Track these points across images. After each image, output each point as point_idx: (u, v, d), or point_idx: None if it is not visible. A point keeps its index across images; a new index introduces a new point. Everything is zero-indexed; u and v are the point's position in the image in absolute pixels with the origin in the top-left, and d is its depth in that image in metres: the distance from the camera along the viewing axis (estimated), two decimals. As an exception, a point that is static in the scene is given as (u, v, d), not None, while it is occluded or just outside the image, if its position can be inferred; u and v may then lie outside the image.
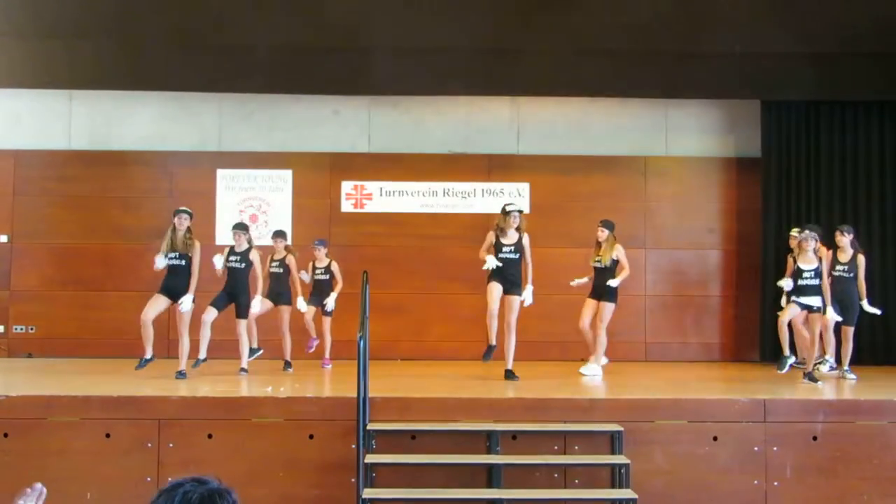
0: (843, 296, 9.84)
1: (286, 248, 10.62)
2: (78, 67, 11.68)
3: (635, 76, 11.69)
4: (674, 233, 12.64)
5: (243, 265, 9.81)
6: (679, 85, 11.93)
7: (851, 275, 9.92)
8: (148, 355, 9.24)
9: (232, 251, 9.92)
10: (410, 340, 12.29)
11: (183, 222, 9.34)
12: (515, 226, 9.42)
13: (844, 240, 9.94)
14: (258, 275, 9.86)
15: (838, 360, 10.13)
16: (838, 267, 9.90)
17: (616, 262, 9.90)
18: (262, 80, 11.85)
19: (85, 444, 7.43)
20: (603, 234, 10.01)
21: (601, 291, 9.91)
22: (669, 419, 7.59)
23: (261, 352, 10.33)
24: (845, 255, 9.95)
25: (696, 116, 12.79)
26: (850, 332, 9.90)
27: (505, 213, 9.49)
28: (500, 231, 9.42)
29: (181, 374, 9.12)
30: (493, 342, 9.32)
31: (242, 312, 9.79)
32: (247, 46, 11.35)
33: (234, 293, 9.78)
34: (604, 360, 10.05)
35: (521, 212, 9.53)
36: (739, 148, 12.75)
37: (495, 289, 9.31)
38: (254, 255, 9.86)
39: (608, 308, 9.86)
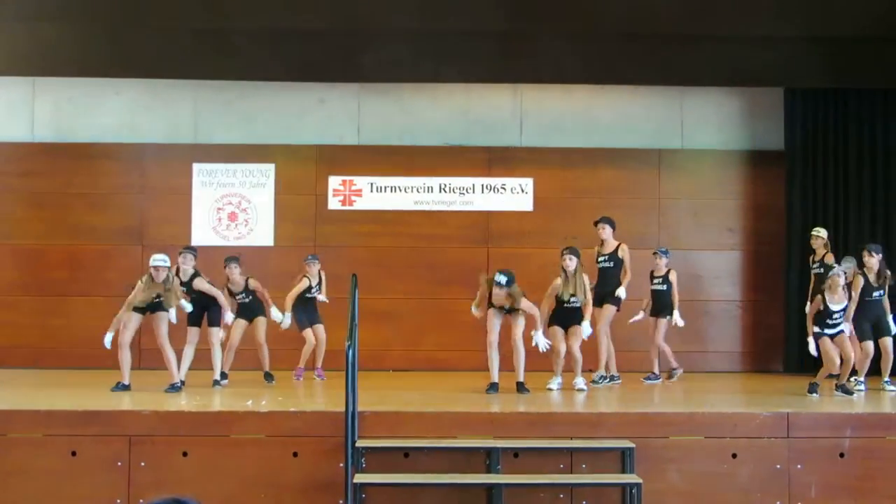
0: (881, 318, 9.95)
1: (241, 273, 10.45)
2: (42, 52, 11.66)
3: (648, 62, 11.71)
4: (690, 232, 12.67)
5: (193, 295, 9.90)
6: (696, 71, 11.95)
7: (884, 296, 10.01)
8: (126, 381, 9.27)
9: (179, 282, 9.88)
10: (403, 350, 12.32)
11: (161, 274, 9.30)
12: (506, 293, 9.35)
13: (874, 260, 9.98)
14: (216, 291, 9.95)
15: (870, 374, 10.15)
16: (874, 294, 9.93)
17: None
18: (241, 66, 11.84)
19: (49, 463, 7.43)
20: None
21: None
22: (685, 435, 7.61)
23: (225, 382, 10.24)
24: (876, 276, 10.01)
25: (714, 106, 12.83)
26: (888, 342, 9.94)
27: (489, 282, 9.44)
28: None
29: (174, 388, 9.27)
30: (496, 379, 9.37)
31: (215, 320, 9.96)
32: (225, 29, 11.34)
33: (203, 304, 9.95)
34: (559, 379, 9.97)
35: (508, 284, 9.30)
36: (761, 140, 12.78)
37: (494, 314, 9.40)
38: (199, 283, 9.86)
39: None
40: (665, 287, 10.82)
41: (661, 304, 10.82)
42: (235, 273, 10.31)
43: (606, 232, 10.56)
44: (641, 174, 12.71)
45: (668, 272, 10.85)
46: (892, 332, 10.02)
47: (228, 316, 9.96)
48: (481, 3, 11.26)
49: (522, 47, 11.64)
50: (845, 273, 9.60)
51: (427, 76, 12.25)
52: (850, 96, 12.40)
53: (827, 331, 9.41)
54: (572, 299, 9.72)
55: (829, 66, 11.83)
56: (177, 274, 9.77)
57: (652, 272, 10.90)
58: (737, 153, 12.80)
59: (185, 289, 9.78)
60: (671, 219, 12.68)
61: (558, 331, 9.80)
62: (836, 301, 9.37)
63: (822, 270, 10.85)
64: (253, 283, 10.43)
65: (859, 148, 12.37)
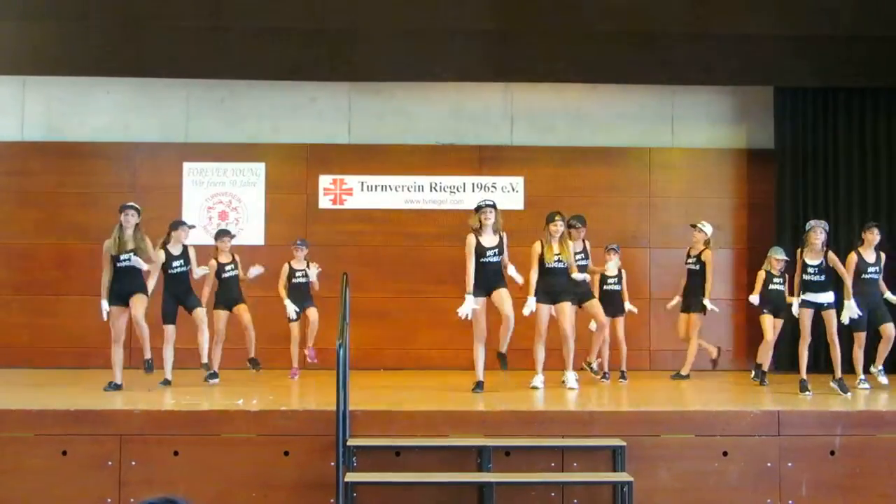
0: (875, 298, 9.86)
1: (230, 249, 10.59)
2: (32, 51, 11.64)
3: (639, 60, 11.72)
4: (680, 230, 12.64)
5: (187, 267, 9.94)
6: (686, 70, 11.96)
7: (880, 276, 9.95)
8: (118, 380, 9.19)
9: (169, 254, 9.93)
10: (394, 349, 12.30)
11: (130, 219, 9.31)
12: (491, 223, 9.27)
13: (876, 238, 9.93)
14: (195, 268, 9.99)
15: (865, 367, 10.10)
16: (869, 269, 9.88)
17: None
18: (233, 65, 11.81)
19: (39, 463, 7.40)
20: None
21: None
22: (675, 433, 7.61)
23: (216, 381, 10.18)
24: (872, 254, 9.96)
25: (704, 104, 12.84)
26: (889, 328, 9.86)
27: (477, 209, 9.33)
28: (478, 233, 9.29)
29: (148, 365, 9.36)
30: (482, 377, 9.23)
31: (194, 303, 9.92)
32: (217, 28, 11.32)
33: (177, 294, 9.90)
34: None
35: (494, 207, 9.31)
36: (751, 139, 12.81)
37: (480, 311, 9.18)
38: (192, 252, 10.01)
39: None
40: (619, 287, 10.67)
41: (615, 305, 10.62)
42: (300, 255, 10.72)
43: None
44: (632, 173, 12.72)
45: (620, 270, 10.68)
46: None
47: (200, 269, 10.05)
48: (472, 1, 11.26)
49: (513, 46, 11.64)
50: (825, 231, 9.44)
51: (418, 75, 12.22)
52: (840, 95, 12.41)
53: (808, 295, 9.40)
54: (556, 261, 9.49)
55: (819, 65, 11.86)
56: (163, 245, 9.95)
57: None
58: (727, 151, 12.81)
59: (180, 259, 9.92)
60: (662, 217, 12.69)
61: (544, 309, 9.53)
62: (813, 256, 9.41)
63: (697, 267, 10.78)
64: (313, 268, 10.63)
65: (848, 146, 12.38)
